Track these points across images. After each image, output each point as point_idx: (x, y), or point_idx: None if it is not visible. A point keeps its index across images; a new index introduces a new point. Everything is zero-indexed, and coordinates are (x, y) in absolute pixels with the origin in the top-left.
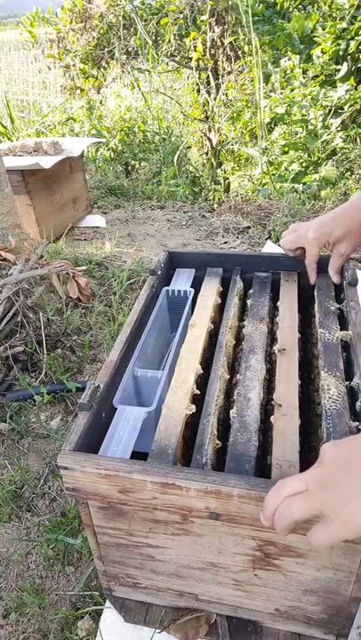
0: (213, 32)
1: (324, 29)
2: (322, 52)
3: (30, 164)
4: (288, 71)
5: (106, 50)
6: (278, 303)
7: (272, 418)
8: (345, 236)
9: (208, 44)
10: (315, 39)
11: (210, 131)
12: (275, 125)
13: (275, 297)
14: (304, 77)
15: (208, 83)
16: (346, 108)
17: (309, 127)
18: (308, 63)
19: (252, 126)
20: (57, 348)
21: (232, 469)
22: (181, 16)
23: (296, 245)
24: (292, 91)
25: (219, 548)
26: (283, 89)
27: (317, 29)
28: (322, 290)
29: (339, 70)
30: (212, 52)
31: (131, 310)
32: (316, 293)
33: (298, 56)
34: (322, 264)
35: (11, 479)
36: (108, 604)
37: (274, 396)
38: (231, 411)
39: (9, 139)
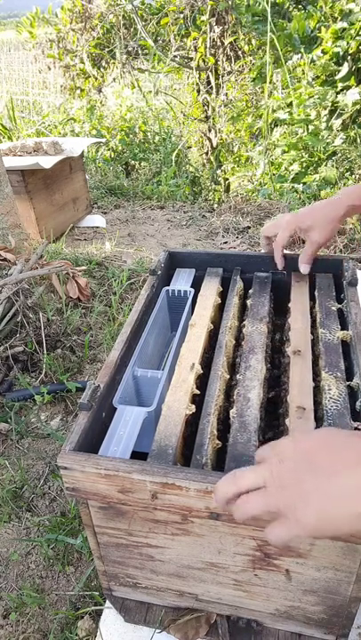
0: (213, 32)
1: (325, 29)
2: (322, 52)
3: (30, 164)
4: (291, 70)
5: (106, 50)
6: (290, 304)
7: (287, 420)
8: (316, 224)
9: (208, 44)
10: (319, 36)
11: (210, 131)
12: (275, 125)
13: (275, 297)
14: (310, 77)
15: (208, 83)
16: (347, 108)
17: (311, 127)
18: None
19: (252, 127)
20: (57, 348)
21: (232, 469)
22: (181, 16)
23: (274, 231)
24: (295, 90)
25: (219, 548)
26: (284, 88)
27: (320, 29)
28: (322, 290)
29: (339, 70)
30: (213, 51)
31: (131, 310)
32: (316, 293)
33: (309, 55)
34: (319, 266)
35: (11, 479)
36: (108, 603)
37: (288, 399)
38: (231, 411)
39: (9, 139)
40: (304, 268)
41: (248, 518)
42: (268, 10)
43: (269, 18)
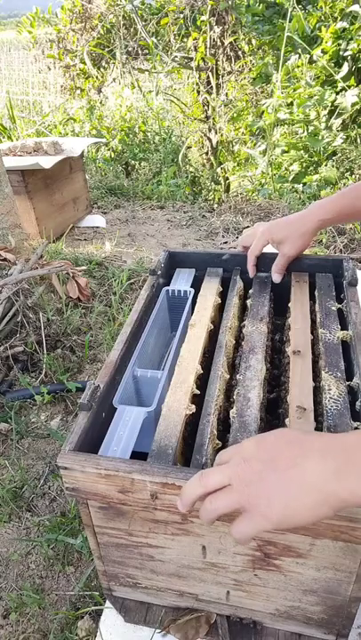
0: (214, 32)
1: (325, 29)
2: (322, 52)
3: (30, 164)
4: (290, 71)
5: (106, 50)
6: (290, 304)
7: (287, 420)
8: (288, 238)
9: (208, 44)
10: (319, 36)
11: (210, 131)
12: (276, 125)
13: (275, 297)
14: (310, 77)
15: (208, 83)
16: (346, 109)
17: (310, 128)
18: (308, 64)
19: (253, 126)
20: (57, 347)
21: None
22: (181, 16)
23: (250, 241)
24: (295, 90)
25: (219, 548)
26: (284, 89)
27: (320, 29)
28: (322, 290)
29: (339, 71)
30: (213, 51)
31: (131, 310)
32: (316, 293)
33: (308, 55)
34: (319, 266)
35: (11, 479)
36: (108, 603)
37: (288, 399)
38: (231, 411)
39: (9, 139)
40: (276, 277)
41: (215, 516)
42: (290, 8)
43: (290, 11)
